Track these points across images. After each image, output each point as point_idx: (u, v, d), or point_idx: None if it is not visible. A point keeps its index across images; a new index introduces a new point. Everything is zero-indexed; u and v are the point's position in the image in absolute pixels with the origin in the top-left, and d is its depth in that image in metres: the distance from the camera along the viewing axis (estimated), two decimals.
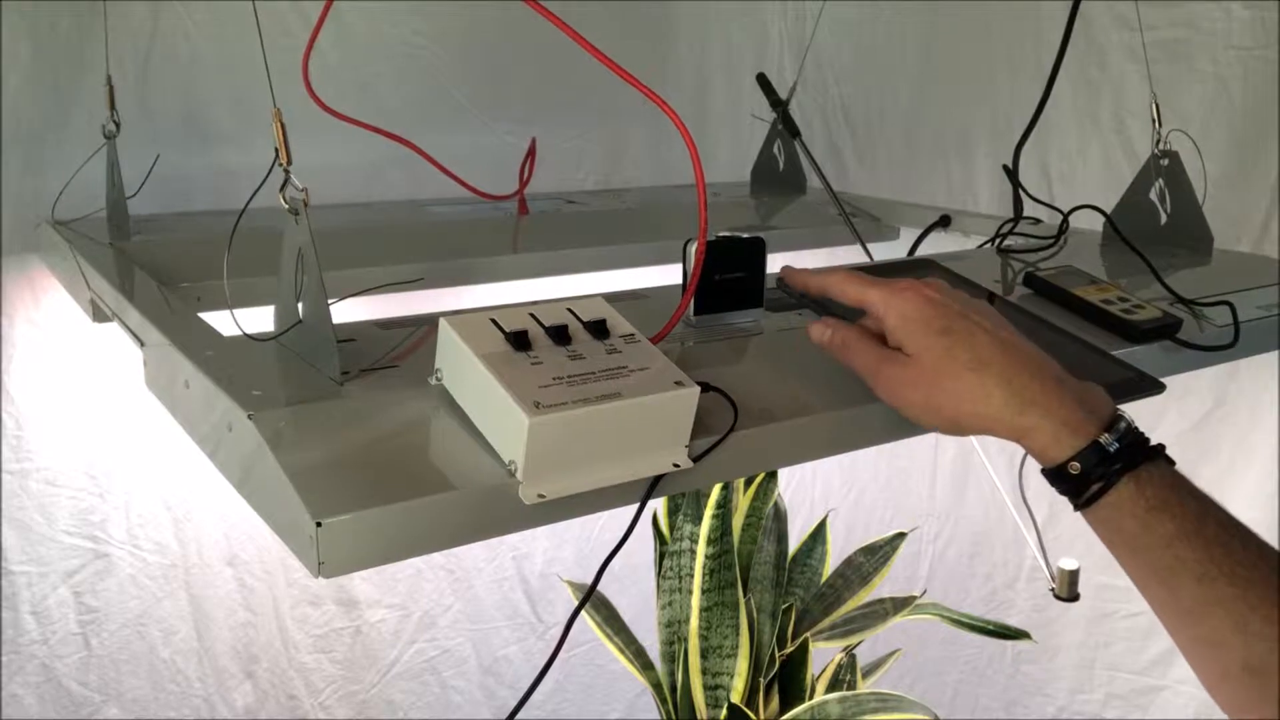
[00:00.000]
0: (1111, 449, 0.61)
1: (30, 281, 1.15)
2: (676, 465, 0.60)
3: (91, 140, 1.03)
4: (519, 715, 0.62)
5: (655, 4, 1.60)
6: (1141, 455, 0.62)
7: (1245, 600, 0.57)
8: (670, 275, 0.85)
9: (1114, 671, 1.60)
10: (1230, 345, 0.91)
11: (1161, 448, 0.64)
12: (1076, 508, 0.63)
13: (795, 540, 1.34)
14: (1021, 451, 0.64)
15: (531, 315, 0.62)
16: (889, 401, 0.66)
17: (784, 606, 1.24)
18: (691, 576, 1.17)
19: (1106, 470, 0.61)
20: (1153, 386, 0.78)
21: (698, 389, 0.60)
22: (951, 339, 0.64)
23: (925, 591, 1.29)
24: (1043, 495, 1.53)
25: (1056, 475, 0.63)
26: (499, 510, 0.55)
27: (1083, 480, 0.61)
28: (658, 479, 0.60)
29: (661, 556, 1.26)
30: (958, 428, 0.65)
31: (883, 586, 1.30)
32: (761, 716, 1.22)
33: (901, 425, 0.68)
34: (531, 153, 1.29)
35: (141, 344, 0.78)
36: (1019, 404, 0.62)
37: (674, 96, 0.60)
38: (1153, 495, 0.61)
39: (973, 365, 0.63)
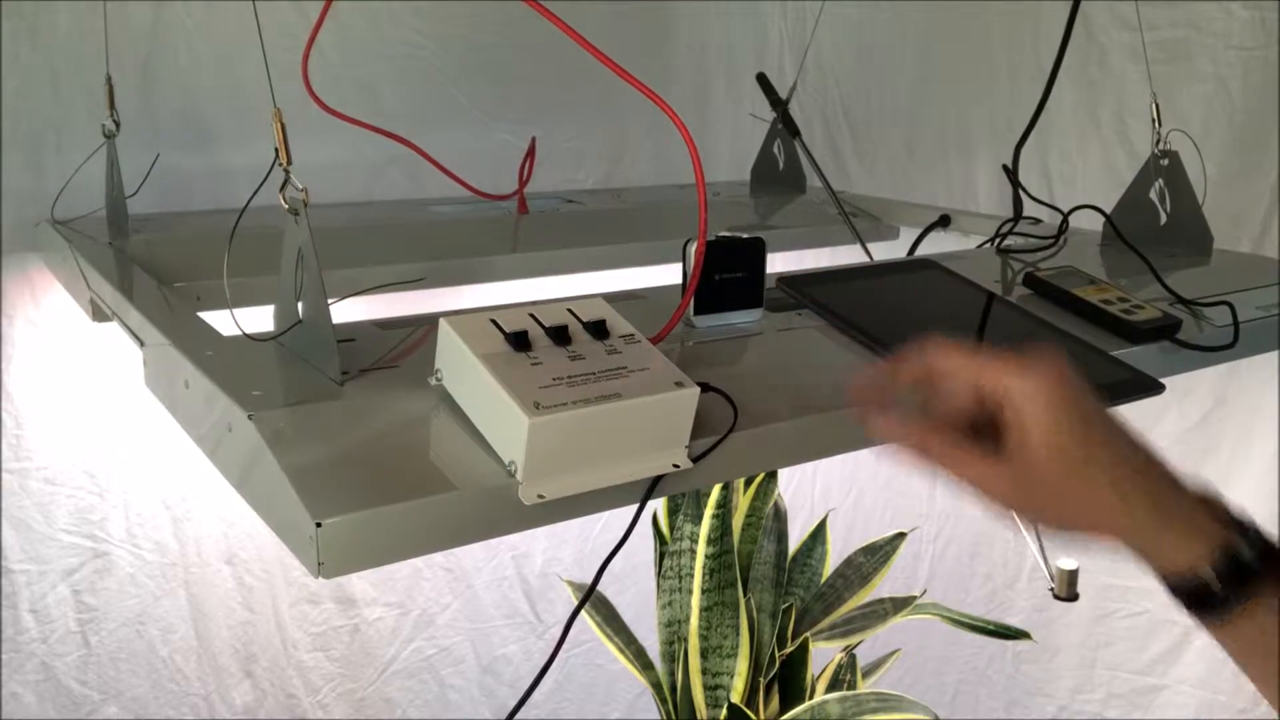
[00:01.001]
0: (1246, 554, 0.54)
1: (30, 281, 1.15)
2: (676, 466, 0.60)
3: (91, 140, 1.03)
4: (518, 715, 0.62)
5: (655, 4, 1.60)
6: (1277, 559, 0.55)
7: None
8: (670, 275, 0.84)
9: (1114, 671, 1.60)
10: (1230, 345, 0.91)
11: None
12: (1203, 621, 0.56)
13: (795, 540, 1.34)
14: None
15: (531, 316, 0.62)
16: (1013, 506, 0.58)
17: (784, 606, 1.24)
18: (691, 576, 1.17)
19: (1244, 577, 0.54)
20: (1152, 387, 0.78)
21: (698, 389, 0.60)
22: (1090, 435, 0.56)
23: (925, 591, 1.29)
24: None
25: (1183, 586, 0.55)
26: (499, 511, 0.55)
27: (1216, 591, 0.54)
28: (658, 479, 0.60)
29: (661, 556, 1.26)
30: (1082, 532, 0.58)
31: (883, 586, 1.30)
32: (761, 716, 1.22)
33: None
34: (531, 152, 1.29)
35: (141, 343, 0.78)
36: (1153, 508, 0.55)
37: (674, 96, 0.60)
38: None
39: (1110, 465, 0.56)
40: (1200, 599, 0.55)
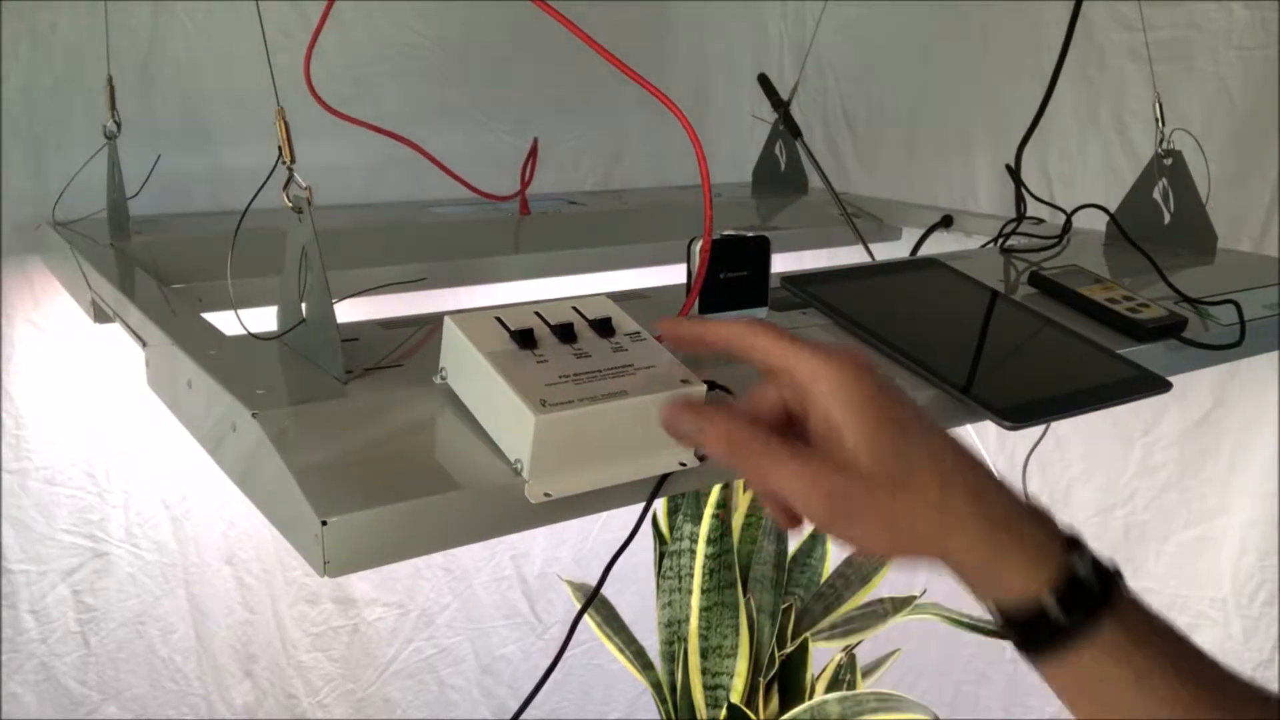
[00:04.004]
0: (1084, 576, 0.48)
1: (30, 282, 1.15)
2: (683, 464, 0.60)
3: (92, 141, 1.03)
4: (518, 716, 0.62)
5: (655, 4, 1.60)
6: (1115, 583, 0.49)
7: None
8: (672, 276, 0.84)
9: None
10: (1236, 344, 0.91)
11: (1118, 573, 0.50)
12: (1036, 652, 0.49)
13: (795, 540, 1.34)
14: (1022, 449, 0.61)
15: (537, 314, 0.62)
16: (831, 526, 0.50)
17: (784, 606, 1.24)
18: (691, 576, 1.17)
19: (1086, 605, 0.48)
20: (1159, 385, 0.78)
21: (704, 387, 0.60)
22: (911, 440, 0.49)
23: (925, 591, 1.29)
24: (1042, 494, 1.54)
25: (1019, 615, 0.49)
26: (505, 509, 0.55)
27: (1056, 620, 0.48)
28: (664, 477, 0.59)
29: (661, 556, 1.26)
30: (913, 553, 0.50)
31: (883, 586, 1.29)
32: (761, 716, 1.22)
33: None
34: (533, 153, 1.29)
35: (143, 344, 0.77)
36: (989, 527, 0.49)
37: (674, 96, 0.59)
38: (1133, 627, 0.49)
39: (939, 477, 0.49)
40: (1035, 630, 0.49)
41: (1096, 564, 0.49)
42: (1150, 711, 0.47)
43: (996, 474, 0.51)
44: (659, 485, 0.59)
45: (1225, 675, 0.49)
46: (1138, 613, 0.49)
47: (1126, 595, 0.49)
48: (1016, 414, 0.70)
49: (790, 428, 0.53)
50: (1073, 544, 0.50)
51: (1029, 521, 0.50)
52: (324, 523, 0.50)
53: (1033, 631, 0.49)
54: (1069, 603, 0.48)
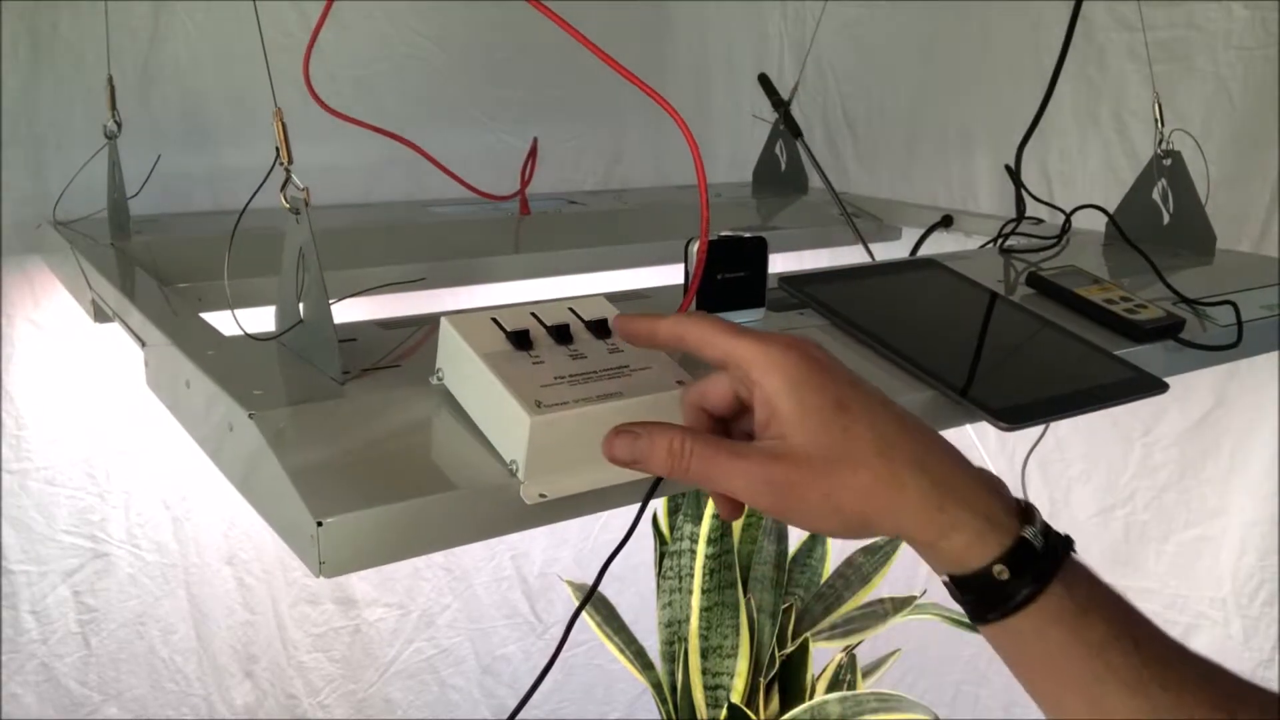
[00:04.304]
0: (1038, 545, 0.49)
1: (30, 282, 1.15)
2: None
3: (92, 141, 1.03)
4: (518, 716, 0.62)
5: (655, 4, 1.60)
6: (1064, 550, 0.50)
7: (1181, 706, 0.47)
8: (671, 276, 0.84)
9: None
10: (1233, 345, 0.91)
11: (1070, 540, 0.52)
12: (985, 620, 0.50)
13: (795, 540, 1.34)
14: (1022, 450, 0.61)
15: (533, 315, 0.62)
16: (780, 514, 0.51)
17: (784, 606, 1.24)
18: (691, 576, 1.17)
19: (1037, 571, 0.49)
20: (1156, 386, 0.78)
21: None
22: (849, 416, 0.50)
23: (925, 591, 1.29)
24: (1042, 494, 1.54)
25: (972, 583, 0.50)
26: (500, 510, 0.55)
27: (1008, 587, 0.49)
28: (659, 479, 0.59)
29: (661, 556, 1.26)
30: (866, 529, 0.51)
31: (883, 586, 1.30)
32: (761, 716, 1.22)
33: None
34: (533, 153, 1.29)
35: (143, 344, 0.77)
36: (938, 496, 0.49)
37: (674, 96, 0.59)
38: (1082, 596, 0.49)
39: (879, 449, 0.50)
40: (986, 596, 0.50)
41: (1048, 531, 0.50)
42: (1099, 680, 0.48)
43: (948, 445, 0.52)
44: (654, 486, 0.59)
45: (1183, 654, 0.49)
46: (1090, 582, 0.50)
47: (1078, 564, 0.50)
48: (1013, 415, 0.70)
49: (744, 415, 0.55)
50: (1024, 511, 0.51)
51: (979, 488, 0.51)
52: (319, 523, 0.50)
53: (984, 597, 0.50)
54: (1018, 568, 0.49)
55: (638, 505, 0.60)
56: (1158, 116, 1.17)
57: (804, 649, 1.23)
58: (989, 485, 0.51)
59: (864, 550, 1.33)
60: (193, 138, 1.22)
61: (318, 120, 0.86)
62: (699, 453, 0.51)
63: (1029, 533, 0.49)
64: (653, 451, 0.52)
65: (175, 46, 1.20)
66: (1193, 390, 1.42)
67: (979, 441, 1.48)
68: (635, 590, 1.45)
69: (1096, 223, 1.20)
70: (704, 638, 1.17)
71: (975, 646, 1.70)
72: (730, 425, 0.57)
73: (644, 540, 1.31)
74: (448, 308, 0.66)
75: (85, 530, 1.22)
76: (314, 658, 1.42)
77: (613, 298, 0.66)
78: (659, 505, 1.29)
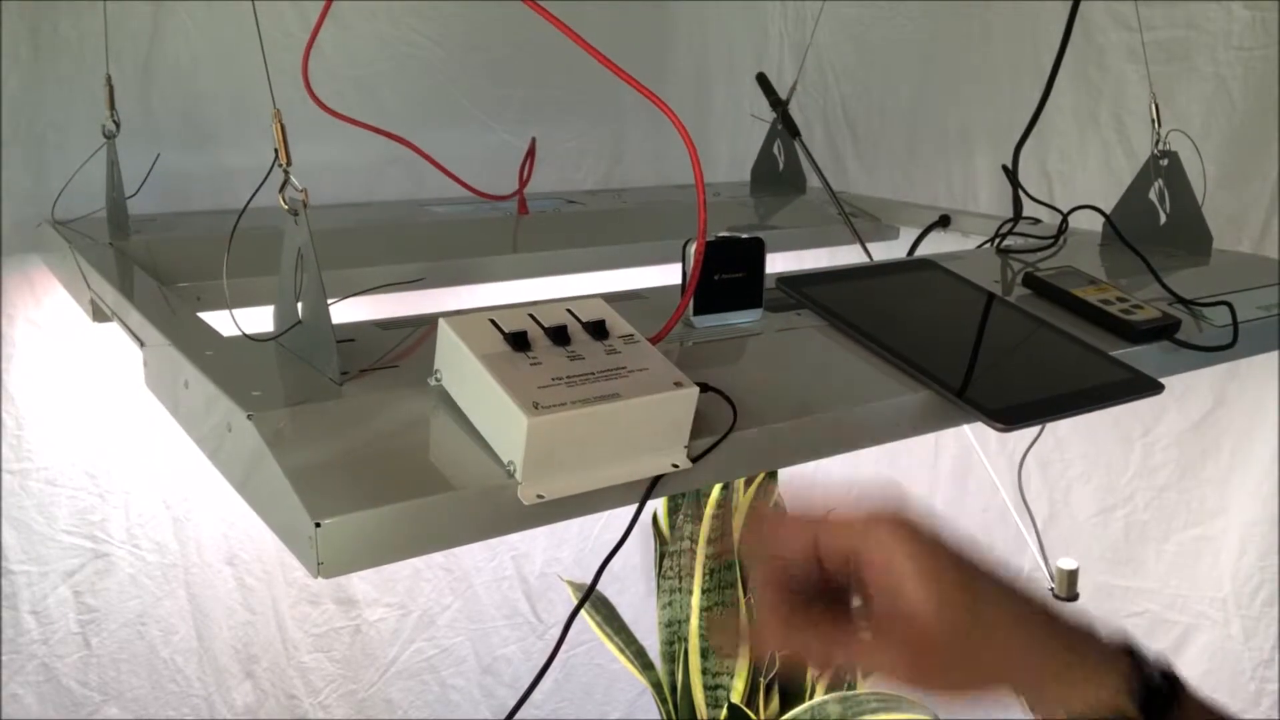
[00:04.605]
0: (1151, 676, 0.50)
1: (30, 281, 1.15)
2: (675, 466, 0.60)
3: (92, 140, 1.03)
4: (518, 715, 0.62)
5: (655, 4, 1.60)
6: (1177, 678, 0.51)
7: None
8: (670, 275, 0.85)
9: None
10: (1229, 345, 0.91)
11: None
12: None
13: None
14: (1021, 450, 0.61)
15: (531, 316, 0.62)
16: (917, 685, 0.51)
17: None
18: (691, 576, 1.17)
19: (1162, 702, 0.50)
20: (1151, 387, 0.78)
21: (696, 389, 0.60)
22: (972, 581, 0.51)
23: None
24: (1042, 495, 1.54)
25: None
26: (498, 511, 0.55)
27: None
28: (657, 479, 0.60)
29: (661, 556, 1.26)
30: (989, 692, 0.51)
31: None
32: (761, 716, 1.22)
33: (901, 425, 0.68)
34: (531, 153, 1.29)
35: (142, 344, 0.78)
36: (1055, 649, 0.51)
37: (674, 96, 0.60)
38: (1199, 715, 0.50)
39: (1006, 617, 0.51)
40: None
41: (1170, 673, 0.51)
42: None
43: (1050, 601, 0.52)
44: (652, 487, 0.59)
45: None
46: (1198, 705, 0.51)
47: (1189, 689, 0.51)
48: (1009, 416, 0.70)
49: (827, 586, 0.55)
50: (1130, 649, 0.52)
51: (1090, 636, 0.51)
52: (318, 524, 0.50)
53: None
54: (1146, 704, 0.49)
55: (635, 505, 0.61)
56: (1155, 117, 1.17)
57: None
58: (1088, 628, 0.51)
59: None
60: (192, 137, 1.22)
61: (317, 120, 0.86)
62: (842, 643, 0.52)
63: (1144, 668, 0.50)
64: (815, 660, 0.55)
65: (175, 46, 1.20)
66: (1193, 390, 1.42)
67: (976, 442, 1.48)
68: (635, 590, 1.45)
69: (1094, 223, 1.20)
70: (704, 638, 1.17)
71: None
72: None
73: (644, 540, 1.31)
74: (446, 308, 0.66)
75: (86, 530, 1.22)
76: (314, 658, 1.42)
77: (610, 297, 0.66)
78: (659, 505, 1.29)
